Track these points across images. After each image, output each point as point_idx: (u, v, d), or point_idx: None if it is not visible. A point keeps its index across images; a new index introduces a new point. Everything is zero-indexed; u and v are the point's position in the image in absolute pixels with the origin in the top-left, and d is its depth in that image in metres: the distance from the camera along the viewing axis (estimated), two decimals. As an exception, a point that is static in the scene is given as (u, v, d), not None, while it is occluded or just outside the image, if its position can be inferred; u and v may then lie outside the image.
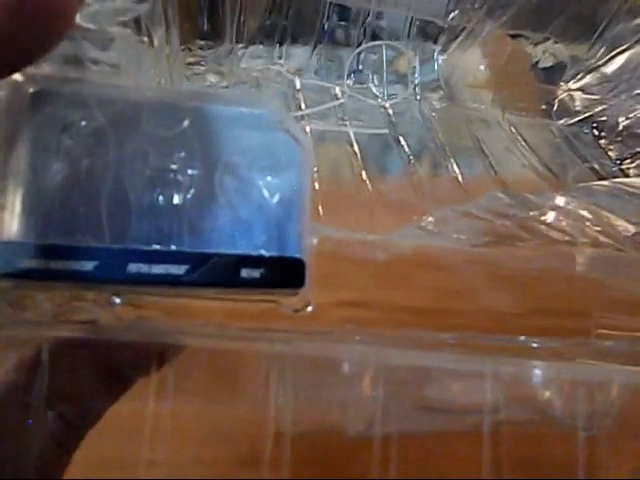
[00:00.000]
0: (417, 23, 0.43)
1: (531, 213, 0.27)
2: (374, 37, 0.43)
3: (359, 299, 0.20)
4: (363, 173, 0.36)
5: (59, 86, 0.18)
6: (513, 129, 0.42)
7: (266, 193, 0.18)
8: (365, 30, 0.42)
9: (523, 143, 0.41)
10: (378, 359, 0.20)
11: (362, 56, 0.44)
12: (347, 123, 0.39)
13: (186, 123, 0.18)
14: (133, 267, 0.17)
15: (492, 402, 0.20)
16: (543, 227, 0.26)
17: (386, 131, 0.38)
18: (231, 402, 0.19)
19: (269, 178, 0.18)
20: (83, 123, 0.17)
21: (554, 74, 0.45)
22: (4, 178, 0.17)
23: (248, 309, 0.18)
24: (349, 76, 0.43)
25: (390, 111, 0.41)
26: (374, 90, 0.43)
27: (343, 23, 0.42)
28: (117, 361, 0.18)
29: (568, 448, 0.21)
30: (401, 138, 0.38)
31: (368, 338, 0.19)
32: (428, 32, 0.44)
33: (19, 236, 0.16)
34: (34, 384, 0.16)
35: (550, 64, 0.45)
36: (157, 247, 0.17)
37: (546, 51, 0.44)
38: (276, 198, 0.18)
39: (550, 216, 0.27)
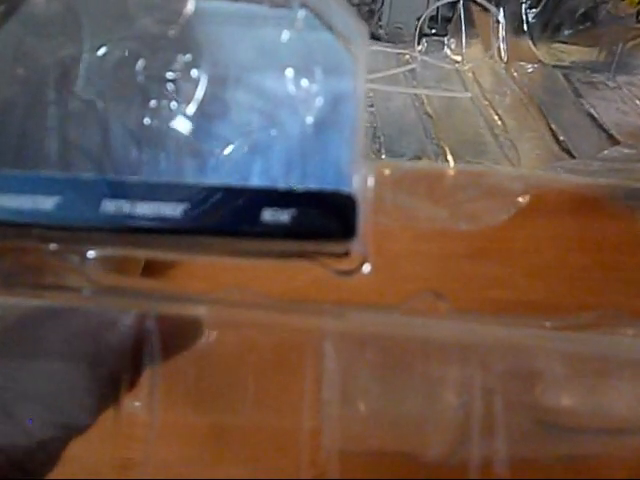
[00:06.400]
0: None
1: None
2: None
3: (441, 260, 0.14)
4: (442, 144, 0.29)
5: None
6: (626, 90, 0.35)
7: (300, 106, 0.13)
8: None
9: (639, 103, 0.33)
10: (471, 345, 0.13)
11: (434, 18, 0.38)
12: (421, 89, 0.33)
13: (190, 17, 0.13)
14: (109, 205, 0.12)
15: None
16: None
17: (468, 94, 0.32)
18: (254, 403, 0.14)
19: (304, 85, 0.13)
20: (50, 15, 0.13)
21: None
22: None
23: (276, 269, 0.13)
24: (420, 41, 0.37)
25: (470, 75, 0.35)
26: (449, 54, 0.37)
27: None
28: (99, 347, 0.13)
29: None
30: (487, 103, 0.32)
31: (456, 315, 0.13)
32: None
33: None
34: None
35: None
36: (143, 178, 0.12)
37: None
38: (314, 113, 0.13)
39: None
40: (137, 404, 0.13)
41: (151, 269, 0.15)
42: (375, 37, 0.37)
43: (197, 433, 0.16)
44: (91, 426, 0.13)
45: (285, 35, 0.13)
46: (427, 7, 0.38)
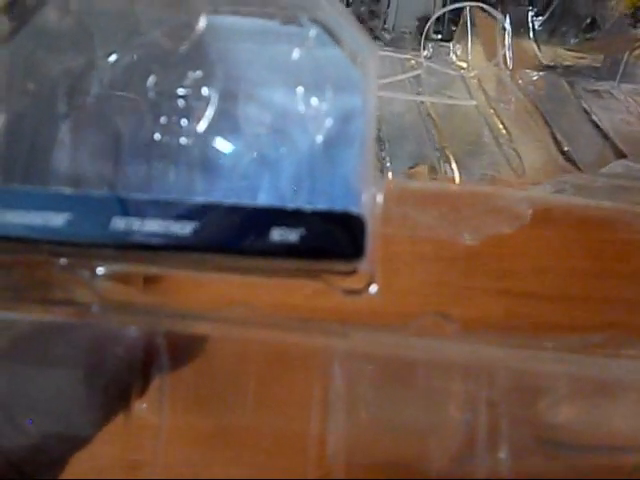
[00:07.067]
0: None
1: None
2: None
3: (448, 279, 0.14)
4: (446, 151, 0.29)
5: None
6: (631, 100, 0.35)
7: (310, 124, 0.13)
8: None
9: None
10: (475, 364, 0.14)
11: (439, 26, 0.38)
12: (426, 96, 0.33)
13: (201, 33, 0.13)
14: (118, 223, 0.12)
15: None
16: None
17: (473, 102, 0.32)
18: (258, 414, 0.14)
19: (314, 103, 0.13)
20: (62, 31, 0.13)
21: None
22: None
23: (283, 287, 0.13)
24: (425, 46, 0.37)
25: (475, 82, 0.35)
26: (455, 60, 0.37)
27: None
28: (106, 361, 0.13)
29: None
30: (492, 110, 0.32)
31: (462, 336, 0.13)
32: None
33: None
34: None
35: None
36: (153, 196, 0.12)
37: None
38: (324, 132, 0.13)
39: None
40: (145, 406, 0.13)
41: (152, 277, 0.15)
42: (380, 39, 0.37)
43: (203, 436, 0.16)
44: (96, 435, 0.14)
45: (296, 52, 0.13)
46: (433, 12, 0.38)
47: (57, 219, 0.12)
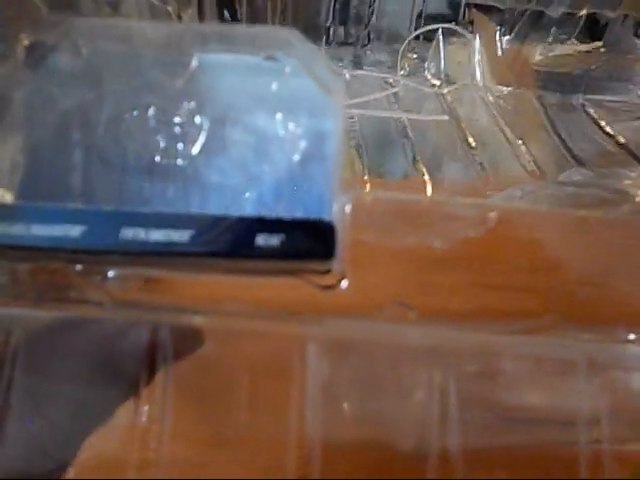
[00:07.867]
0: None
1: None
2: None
3: (413, 275, 0.16)
4: (420, 164, 0.32)
5: (53, 32, 0.15)
6: (594, 113, 0.37)
7: (288, 145, 0.15)
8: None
9: (607, 128, 0.36)
10: (438, 348, 0.16)
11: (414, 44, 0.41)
12: (402, 113, 0.36)
13: (194, 70, 0.15)
14: (127, 232, 0.14)
15: (589, 411, 0.15)
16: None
17: (445, 117, 0.35)
18: (243, 403, 0.16)
19: (291, 127, 0.15)
20: (75, 71, 0.15)
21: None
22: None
23: (268, 285, 0.15)
24: (402, 66, 0.40)
25: (449, 98, 0.37)
26: (429, 78, 0.39)
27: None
28: (116, 351, 0.15)
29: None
30: (463, 124, 0.34)
31: (426, 322, 0.15)
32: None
33: (-3, 198, 0.14)
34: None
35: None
36: (155, 209, 0.14)
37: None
38: (300, 151, 0.15)
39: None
40: (147, 408, 0.15)
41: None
42: (360, 59, 0.40)
43: (200, 436, 0.18)
44: (110, 416, 0.15)
45: (275, 84, 0.15)
46: (409, 32, 0.40)
47: (73, 231, 0.14)
